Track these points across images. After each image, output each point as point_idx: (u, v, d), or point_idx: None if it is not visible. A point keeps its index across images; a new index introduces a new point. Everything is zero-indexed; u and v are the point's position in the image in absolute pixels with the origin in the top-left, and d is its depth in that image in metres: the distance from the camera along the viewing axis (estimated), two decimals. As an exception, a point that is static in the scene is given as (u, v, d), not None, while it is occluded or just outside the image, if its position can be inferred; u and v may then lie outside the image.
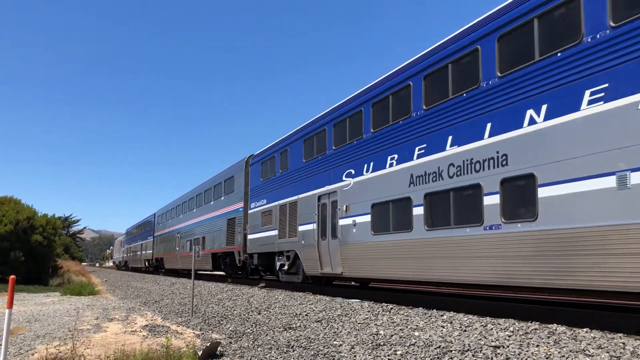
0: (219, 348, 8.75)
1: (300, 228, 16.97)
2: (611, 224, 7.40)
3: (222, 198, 26.46)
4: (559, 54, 8.42)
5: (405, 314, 9.73)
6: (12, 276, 7.43)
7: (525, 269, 8.75)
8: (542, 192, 8.50)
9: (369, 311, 10.43)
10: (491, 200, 9.50)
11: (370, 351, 7.39)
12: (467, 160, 10.20)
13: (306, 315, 11.01)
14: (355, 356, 7.27)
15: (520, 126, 8.98)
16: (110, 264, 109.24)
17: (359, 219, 13.70)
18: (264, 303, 13.68)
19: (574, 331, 6.90)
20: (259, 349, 8.64)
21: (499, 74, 9.56)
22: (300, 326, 9.98)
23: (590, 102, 7.86)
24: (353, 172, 14.18)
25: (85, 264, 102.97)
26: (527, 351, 6.22)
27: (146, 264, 47.82)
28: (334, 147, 15.36)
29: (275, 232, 18.97)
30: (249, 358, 8.20)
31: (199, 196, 31.46)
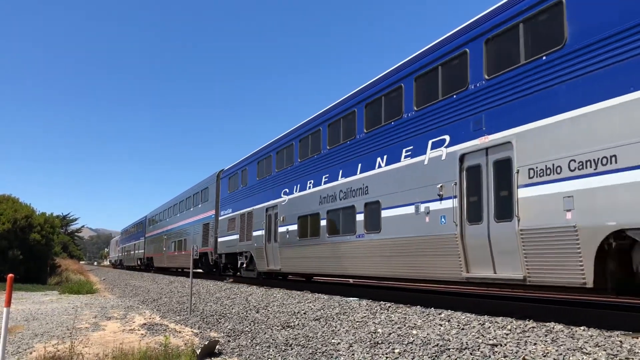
0: (217, 346, 8.75)
1: (254, 233, 20.92)
2: (415, 235, 11.35)
3: (199, 205, 30.48)
4: (392, 123, 12.63)
5: (403, 312, 9.75)
6: (10, 275, 7.42)
7: (379, 264, 12.70)
8: (384, 213, 12.56)
9: (367, 309, 10.45)
10: (360, 217, 13.57)
11: (368, 349, 7.41)
12: (348, 189, 14.27)
13: (304, 313, 11.02)
14: (353, 354, 7.29)
15: (374, 168, 13.17)
16: (108, 262, 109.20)
17: (290, 227, 17.74)
18: (262, 301, 13.69)
19: (572, 329, 6.93)
20: (257, 347, 8.65)
21: (365, 131, 13.77)
22: (298, 324, 10.00)
23: (405, 157, 12.00)
24: (287, 191, 18.27)
25: (83, 262, 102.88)
26: (524, 349, 6.23)
27: (139, 262, 51.42)
28: (276, 170, 19.56)
29: (237, 236, 22.99)
30: (248, 356, 8.21)
31: (182, 202, 35.37)
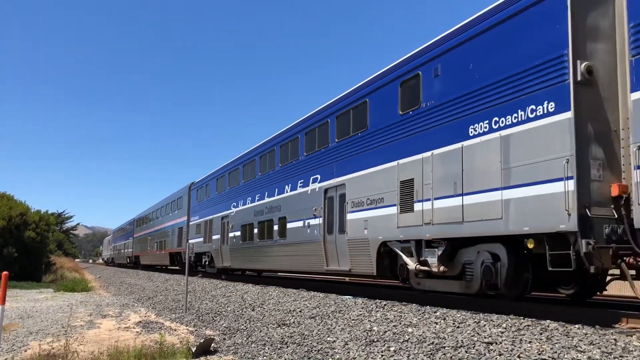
0: (212, 344, 8.75)
1: (213, 237, 25.69)
2: (306, 239, 15.87)
3: (176, 212, 35.17)
4: (293, 162, 17.69)
5: (399, 310, 9.76)
6: (5, 272, 7.40)
7: (286, 260, 17.56)
8: (288, 225, 17.14)
9: (362, 307, 10.46)
10: (275, 227, 18.13)
11: (363, 347, 7.42)
12: (270, 206, 18.87)
13: (300, 311, 11.03)
14: (348, 352, 7.29)
15: (284, 193, 17.83)
16: (101, 260, 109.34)
17: (236, 233, 22.28)
18: (258, 299, 13.70)
19: (566, 328, 6.95)
20: (253, 345, 8.65)
21: (280, 165, 18.63)
22: (294, 322, 10.00)
23: (300, 187, 16.73)
24: (235, 204, 23.03)
25: (78, 260, 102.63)
26: (519, 347, 6.25)
27: (127, 260, 56.59)
28: (228, 187, 24.54)
29: (202, 239, 27.69)
30: (243, 354, 8.21)
31: (162, 208, 40.00)
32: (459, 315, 8.58)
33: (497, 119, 8.95)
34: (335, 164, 14.57)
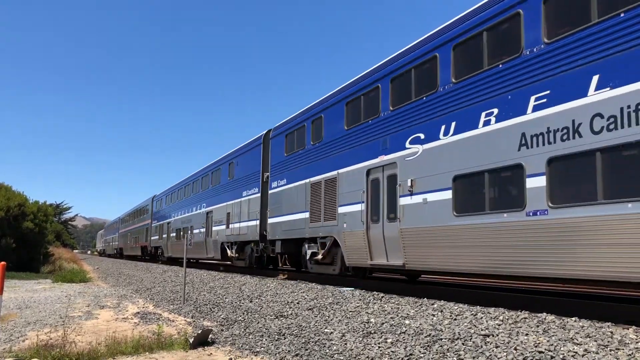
0: (210, 335, 8.76)
1: (163, 236, 36.94)
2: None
3: (144, 216, 46.79)
4: (215, 187, 26.58)
5: (396, 302, 9.79)
6: (3, 263, 7.39)
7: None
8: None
9: (360, 299, 10.48)
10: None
11: (361, 339, 7.44)
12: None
13: (298, 303, 11.05)
14: (346, 344, 7.31)
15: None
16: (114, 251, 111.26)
17: (172, 234, 33.92)
18: (256, 291, 13.71)
19: (563, 320, 6.97)
20: (251, 337, 8.67)
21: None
22: (291, 314, 10.02)
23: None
24: (175, 214, 34.08)
25: (76, 251, 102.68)
26: (516, 340, 6.27)
27: (115, 251, 68.15)
28: (178, 200, 34.59)
29: (157, 237, 39.64)
30: (241, 345, 8.22)
31: (136, 212, 52.21)
32: (456, 307, 8.61)
33: None
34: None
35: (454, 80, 10.68)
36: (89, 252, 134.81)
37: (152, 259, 42.20)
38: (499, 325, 7.07)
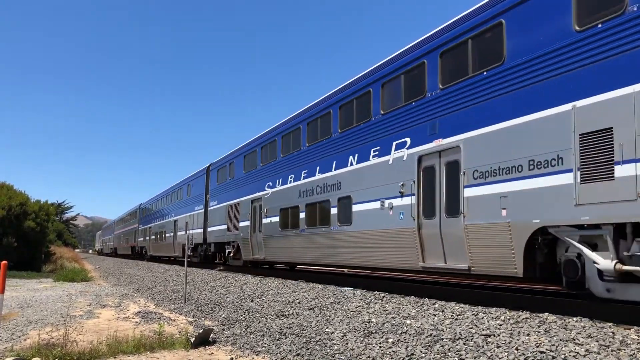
0: (211, 335, 8.77)
1: (146, 238, 43.65)
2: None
3: (133, 220, 54.64)
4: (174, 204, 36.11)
5: (398, 302, 9.78)
6: (4, 262, 7.40)
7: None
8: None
9: (361, 299, 10.48)
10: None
11: (362, 339, 7.43)
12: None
13: (299, 302, 11.05)
14: (347, 343, 7.31)
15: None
16: (110, 250, 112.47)
17: (149, 237, 42.37)
18: (257, 290, 13.72)
19: (564, 320, 6.96)
20: (252, 336, 8.67)
21: (166, 205, 39.28)
22: (292, 314, 10.02)
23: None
24: (152, 222, 42.41)
25: (78, 250, 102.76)
26: (517, 340, 6.27)
27: (111, 250, 75.02)
28: (152, 211, 43.49)
29: (142, 238, 46.80)
30: (242, 345, 8.23)
31: (127, 216, 60.12)
32: (457, 307, 8.60)
33: None
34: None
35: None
36: (90, 251, 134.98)
37: (139, 257, 49.55)
38: (500, 325, 7.07)
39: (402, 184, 11.63)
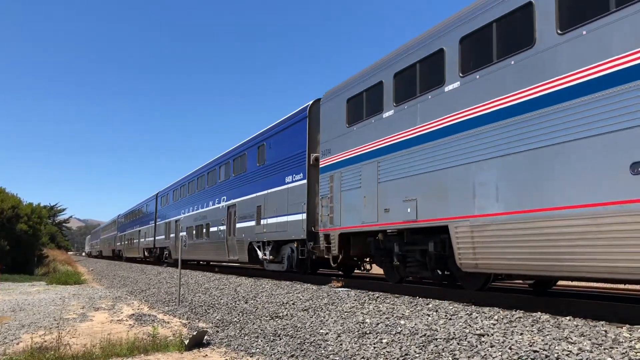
0: (205, 337, 8.76)
1: (118, 243, 56.74)
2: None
3: (113, 228, 62.96)
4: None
5: (392, 302, 9.80)
6: (-4, 265, 7.37)
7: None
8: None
9: (355, 300, 10.49)
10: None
11: (356, 339, 7.44)
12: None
13: (293, 304, 11.04)
14: (341, 344, 7.32)
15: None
16: (97, 253, 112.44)
17: (125, 241, 52.08)
18: (251, 292, 13.70)
19: (557, 319, 7.00)
20: (246, 338, 8.66)
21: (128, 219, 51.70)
22: (287, 315, 10.02)
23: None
24: (127, 230, 51.86)
25: (71, 253, 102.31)
26: (511, 339, 6.29)
27: (98, 253, 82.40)
28: (123, 222, 54.89)
29: (119, 243, 55.81)
30: (236, 346, 8.22)
31: (109, 225, 70.27)
32: (451, 307, 8.62)
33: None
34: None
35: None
36: (83, 253, 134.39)
37: (118, 258, 57.36)
38: (494, 324, 7.09)
39: (223, 218, 22.77)
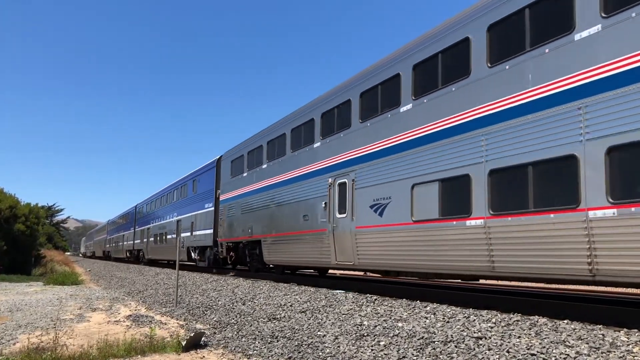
0: (202, 338, 8.74)
1: (108, 245, 65.70)
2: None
3: (103, 232, 72.63)
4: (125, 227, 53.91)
5: (389, 305, 9.79)
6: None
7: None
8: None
9: (353, 302, 10.48)
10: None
11: (354, 342, 7.43)
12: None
13: (291, 306, 11.03)
14: (339, 346, 7.31)
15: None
16: (91, 253, 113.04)
17: (121, 244, 55.69)
18: (249, 294, 13.68)
19: (555, 323, 7.00)
20: (243, 339, 8.65)
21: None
22: (284, 317, 10.00)
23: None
24: (123, 232, 53.75)
25: (68, 253, 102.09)
26: (508, 342, 6.29)
27: (91, 254, 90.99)
28: (112, 227, 64.36)
29: (108, 245, 65.31)
30: (233, 348, 8.21)
31: (101, 228, 78.30)
32: (448, 310, 8.62)
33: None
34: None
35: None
36: (80, 255, 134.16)
37: (107, 258, 64.93)
38: (492, 327, 7.09)
39: (174, 229, 28.79)
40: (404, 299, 10.52)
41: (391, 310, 9.15)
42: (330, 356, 6.93)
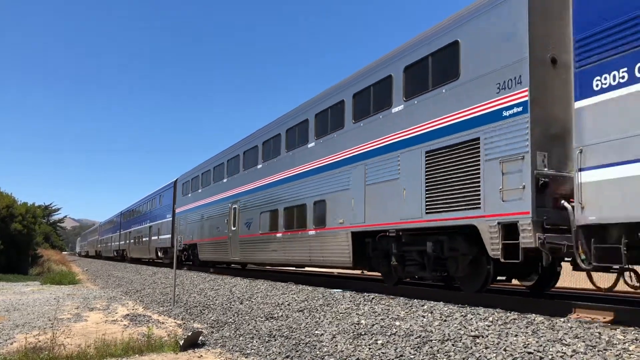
0: (200, 337, 8.75)
1: (99, 246, 72.34)
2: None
3: (95, 233, 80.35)
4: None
5: (387, 303, 9.81)
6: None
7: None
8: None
9: (350, 301, 10.49)
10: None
11: (351, 340, 7.45)
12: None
13: (288, 304, 11.04)
14: (336, 345, 7.32)
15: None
16: (85, 253, 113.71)
17: (110, 244, 60.97)
18: (247, 293, 13.69)
19: (552, 321, 7.02)
20: (241, 338, 8.66)
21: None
22: (282, 316, 10.01)
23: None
24: (115, 233, 56.06)
25: (66, 252, 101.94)
26: (505, 341, 6.31)
27: (85, 253, 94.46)
28: (101, 231, 71.89)
29: (100, 245, 71.13)
30: (231, 347, 8.22)
31: (90, 232, 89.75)
32: (445, 308, 8.64)
33: None
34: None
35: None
36: (77, 255, 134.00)
37: (99, 257, 69.28)
38: (489, 326, 7.11)
39: (148, 233, 35.31)
40: (402, 298, 10.53)
41: (388, 309, 9.17)
42: (328, 355, 6.94)
